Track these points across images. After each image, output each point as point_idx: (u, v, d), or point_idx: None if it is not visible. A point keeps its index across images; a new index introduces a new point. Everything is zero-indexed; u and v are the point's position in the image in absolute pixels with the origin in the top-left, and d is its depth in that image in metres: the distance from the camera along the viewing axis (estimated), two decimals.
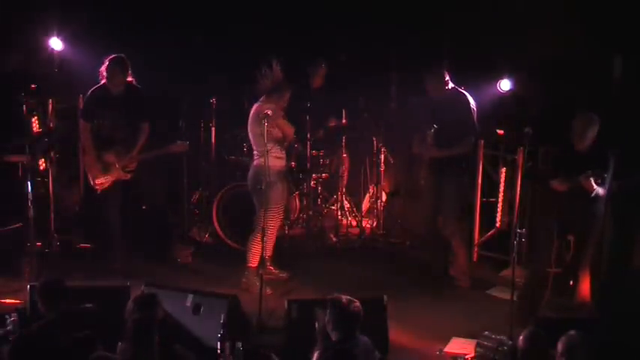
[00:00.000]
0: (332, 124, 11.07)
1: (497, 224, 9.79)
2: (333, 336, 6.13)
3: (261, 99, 9.01)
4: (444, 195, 9.18)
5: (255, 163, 9.07)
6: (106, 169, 9.34)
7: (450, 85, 9.12)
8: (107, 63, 9.24)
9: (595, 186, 7.83)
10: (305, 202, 10.73)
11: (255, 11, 11.34)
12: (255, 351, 6.54)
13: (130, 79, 9.35)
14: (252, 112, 9.05)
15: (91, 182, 9.40)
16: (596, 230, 8.13)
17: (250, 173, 9.11)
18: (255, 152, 9.11)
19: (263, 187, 8.58)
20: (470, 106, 9.06)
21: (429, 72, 9.15)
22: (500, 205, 9.71)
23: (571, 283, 8.46)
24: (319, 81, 11.15)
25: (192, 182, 11.10)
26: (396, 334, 7.60)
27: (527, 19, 10.00)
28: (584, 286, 8.21)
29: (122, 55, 9.27)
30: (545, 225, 8.35)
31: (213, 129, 10.99)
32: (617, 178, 8.64)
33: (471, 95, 9.20)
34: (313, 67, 11.09)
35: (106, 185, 9.36)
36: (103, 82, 9.32)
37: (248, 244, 9.13)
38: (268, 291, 8.66)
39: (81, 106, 9.93)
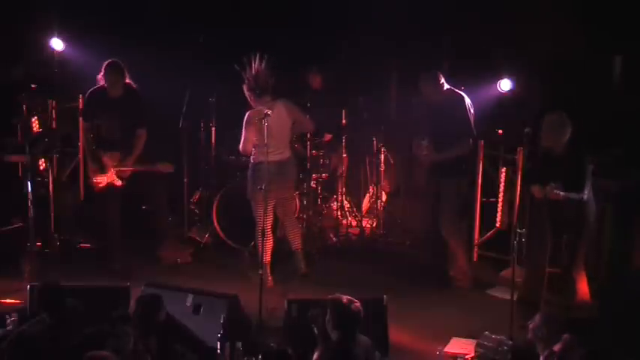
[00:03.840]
0: (327, 139, 11.08)
1: (497, 224, 9.76)
2: (334, 336, 6.12)
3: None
4: (444, 195, 9.16)
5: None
6: (101, 170, 9.37)
7: (446, 86, 9.10)
8: (104, 70, 9.26)
9: (562, 194, 7.80)
10: (305, 202, 10.72)
11: (257, 11, 11.34)
12: (272, 348, 6.57)
13: (127, 80, 9.36)
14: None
15: (91, 180, 9.46)
16: (587, 231, 8.12)
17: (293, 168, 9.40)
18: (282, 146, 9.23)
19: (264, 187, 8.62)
20: (466, 107, 9.02)
21: (423, 75, 9.12)
22: (500, 205, 9.69)
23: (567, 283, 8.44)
24: (317, 84, 11.19)
25: (193, 182, 11.10)
26: (396, 334, 7.60)
27: (528, 19, 10.00)
28: (582, 286, 8.20)
29: (116, 60, 9.27)
30: (538, 224, 8.33)
31: (213, 129, 10.99)
32: (617, 178, 8.67)
33: (471, 95, 9.18)
34: (308, 72, 11.15)
35: (103, 185, 9.38)
36: (102, 83, 9.34)
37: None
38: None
39: (81, 106, 9.96)
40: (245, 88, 9.11)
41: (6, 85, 10.52)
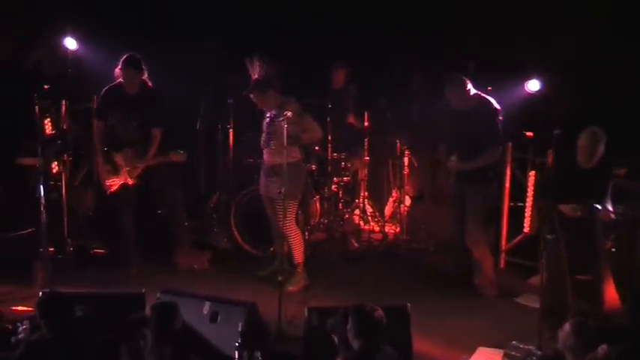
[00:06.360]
0: (350, 120, 11.07)
1: (526, 229, 9.75)
2: (355, 345, 6.12)
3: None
4: (469, 203, 9.12)
5: None
6: (114, 171, 9.41)
7: (473, 91, 9.02)
8: (121, 64, 9.27)
9: (612, 214, 7.80)
10: (326, 207, 10.72)
11: (276, 10, 11.33)
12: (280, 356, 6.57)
13: (145, 78, 9.37)
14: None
15: (102, 183, 9.50)
16: (597, 233, 8.07)
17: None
18: None
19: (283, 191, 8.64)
20: (495, 114, 8.94)
21: (448, 81, 9.05)
22: (528, 209, 9.67)
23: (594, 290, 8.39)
24: (339, 82, 11.17)
25: (210, 186, 11.11)
26: (420, 344, 7.56)
27: (556, 16, 9.96)
28: (610, 294, 8.16)
29: (134, 54, 9.30)
30: (552, 232, 8.26)
31: (231, 131, 11.00)
32: None
33: (498, 96, 9.12)
34: (330, 70, 11.13)
35: (114, 187, 9.41)
36: (118, 80, 9.36)
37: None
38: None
39: (95, 106, 9.99)
40: (267, 87, 9.04)
41: (18, 75, 10.56)
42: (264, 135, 9.22)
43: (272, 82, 8.96)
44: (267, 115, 9.12)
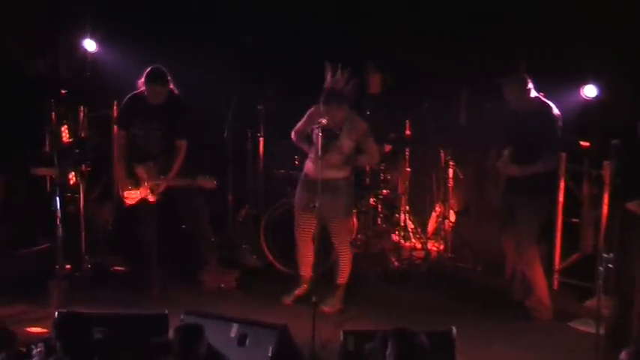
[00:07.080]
0: (387, 150, 10.97)
1: (581, 248, 9.63)
2: None
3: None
4: (520, 219, 9.00)
5: None
6: (135, 184, 9.37)
7: (533, 93, 8.92)
8: (144, 79, 9.23)
9: None
10: (363, 222, 10.62)
11: (310, 11, 11.27)
12: None
13: (170, 86, 9.32)
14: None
15: (120, 194, 9.49)
16: None
17: None
18: None
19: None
20: (556, 120, 8.86)
21: (509, 80, 8.97)
22: (585, 226, 9.54)
23: None
24: (376, 86, 11.06)
25: (238, 199, 11.06)
26: None
27: (615, 15, 9.82)
28: None
29: (158, 67, 9.24)
30: (628, 247, 8.10)
31: (261, 139, 10.96)
32: None
33: (552, 102, 9.03)
34: (365, 72, 11.02)
35: (133, 201, 9.37)
36: (142, 89, 9.32)
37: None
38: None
39: (115, 113, 9.98)
40: (345, 100, 9.01)
41: (31, 80, 10.56)
42: (312, 147, 9.10)
43: (348, 95, 8.97)
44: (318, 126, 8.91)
